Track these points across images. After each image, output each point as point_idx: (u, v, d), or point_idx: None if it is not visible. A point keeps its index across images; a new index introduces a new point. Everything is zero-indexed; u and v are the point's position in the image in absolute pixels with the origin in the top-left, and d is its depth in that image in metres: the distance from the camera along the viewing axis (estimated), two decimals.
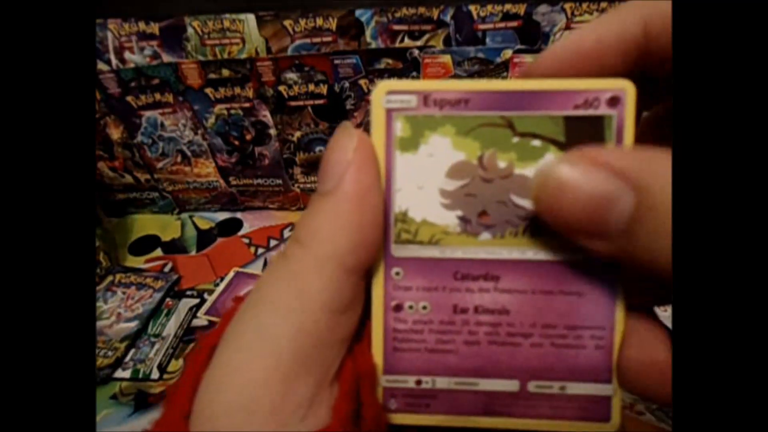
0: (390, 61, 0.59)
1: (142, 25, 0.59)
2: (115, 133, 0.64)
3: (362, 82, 0.60)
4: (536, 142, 0.16)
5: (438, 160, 0.16)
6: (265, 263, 0.63)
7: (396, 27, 0.59)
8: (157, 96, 0.61)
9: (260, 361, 0.14)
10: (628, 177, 0.13)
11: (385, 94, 0.16)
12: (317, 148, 0.65)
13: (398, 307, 0.17)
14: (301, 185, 0.68)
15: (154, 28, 0.59)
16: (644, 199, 0.13)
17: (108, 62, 0.60)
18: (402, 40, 0.60)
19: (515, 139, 0.16)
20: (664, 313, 0.26)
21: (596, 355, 0.16)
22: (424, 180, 0.16)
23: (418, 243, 0.16)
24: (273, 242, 0.66)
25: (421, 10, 0.58)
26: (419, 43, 0.59)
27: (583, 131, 0.16)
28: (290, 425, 0.14)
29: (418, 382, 0.17)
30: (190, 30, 0.59)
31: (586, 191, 0.14)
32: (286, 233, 0.67)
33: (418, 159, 0.16)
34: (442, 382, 0.17)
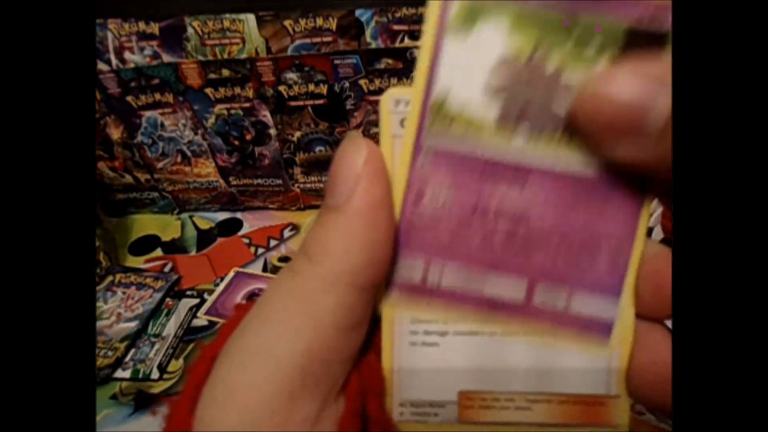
0: (390, 61, 0.59)
1: (142, 25, 0.59)
2: (115, 133, 0.64)
3: (362, 82, 0.60)
4: (591, 50, 0.15)
5: (487, 50, 0.15)
6: (265, 263, 0.63)
7: (396, 27, 0.59)
8: (157, 96, 0.61)
9: (264, 382, 0.14)
10: (665, 81, 0.13)
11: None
12: (317, 148, 0.65)
13: (419, 194, 0.16)
14: (301, 185, 0.68)
15: (154, 28, 0.59)
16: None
17: (108, 62, 0.60)
18: (402, 40, 0.60)
19: (570, 43, 0.15)
20: None
21: (610, 269, 0.16)
22: (469, 70, 0.15)
23: (451, 136, 0.16)
24: (273, 242, 0.66)
25: (421, 10, 0.58)
26: (419, 43, 0.59)
27: (641, 45, 0.15)
28: None
29: (426, 272, 0.16)
30: (190, 30, 0.59)
31: (624, 95, 0.13)
32: (286, 233, 0.67)
33: (467, 46, 0.15)
34: (449, 277, 0.16)
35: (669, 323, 0.16)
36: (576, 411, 0.17)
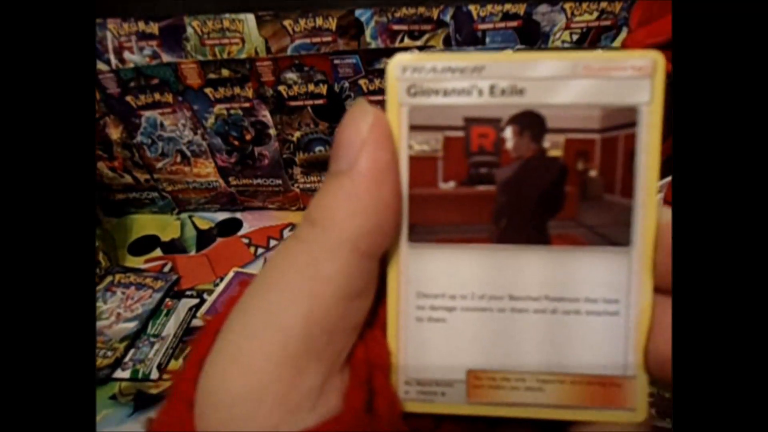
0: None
1: (141, 25, 0.59)
2: (115, 133, 0.64)
3: (362, 82, 0.60)
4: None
5: None
6: (265, 263, 0.63)
7: (396, 27, 0.59)
8: (157, 96, 0.61)
9: (268, 348, 0.14)
10: None
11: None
12: (317, 148, 0.65)
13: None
14: (301, 185, 0.68)
15: (154, 27, 0.59)
16: None
17: (107, 62, 0.60)
18: (402, 40, 0.60)
19: None
20: None
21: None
22: None
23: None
24: (273, 242, 0.66)
25: (421, 10, 0.58)
26: (419, 43, 0.59)
27: None
28: (299, 414, 0.14)
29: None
30: (189, 30, 0.59)
31: None
32: (286, 233, 0.67)
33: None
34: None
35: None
36: (590, 392, 0.16)
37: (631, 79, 0.14)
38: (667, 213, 0.15)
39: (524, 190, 0.15)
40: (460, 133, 0.15)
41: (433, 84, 0.15)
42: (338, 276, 0.14)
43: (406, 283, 0.16)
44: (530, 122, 0.15)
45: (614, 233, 0.15)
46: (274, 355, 0.14)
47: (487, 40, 0.59)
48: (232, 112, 0.62)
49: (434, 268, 0.16)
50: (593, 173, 0.15)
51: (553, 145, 0.15)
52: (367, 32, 0.59)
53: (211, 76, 0.59)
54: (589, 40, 0.58)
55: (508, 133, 0.15)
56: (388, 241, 0.15)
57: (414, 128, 0.15)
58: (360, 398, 0.15)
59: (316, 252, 0.14)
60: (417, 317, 0.16)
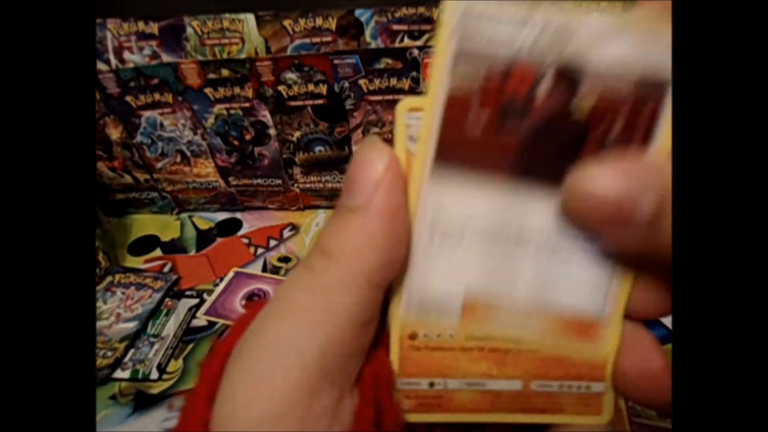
0: (390, 60, 0.59)
1: (141, 25, 0.59)
2: (115, 133, 0.64)
3: (362, 82, 0.60)
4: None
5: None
6: (265, 263, 0.63)
7: (396, 27, 0.59)
8: (157, 96, 0.61)
9: (286, 373, 0.15)
10: (649, 176, 0.14)
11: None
12: (317, 148, 0.65)
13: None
14: (301, 185, 0.68)
15: (154, 27, 0.59)
16: (666, 196, 0.14)
17: (107, 62, 0.60)
18: (402, 40, 0.60)
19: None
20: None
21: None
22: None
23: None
24: (272, 242, 0.66)
25: (421, 10, 0.58)
26: (419, 42, 0.59)
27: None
28: None
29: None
30: (189, 30, 0.59)
31: (610, 192, 0.14)
32: (286, 233, 0.67)
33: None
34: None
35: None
36: (570, 329, 0.17)
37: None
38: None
39: (546, 144, 0.15)
40: (498, 78, 0.15)
41: (481, 28, 0.15)
42: (353, 306, 0.15)
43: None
44: (566, 78, 0.15)
45: None
46: (292, 380, 0.14)
47: None
48: (231, 112, 0.62)
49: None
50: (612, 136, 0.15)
51: (583, 105, 0.15)
52: (367, 32, 0.59)
53: (211, 76, 0.59)
54: None
55: (544, 84, 0.15)
56: (396, 273, 0.16)
57: (457, 57, 0.15)
58: (370, 415, 0.16)
59: (331, 283, 0.15)
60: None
